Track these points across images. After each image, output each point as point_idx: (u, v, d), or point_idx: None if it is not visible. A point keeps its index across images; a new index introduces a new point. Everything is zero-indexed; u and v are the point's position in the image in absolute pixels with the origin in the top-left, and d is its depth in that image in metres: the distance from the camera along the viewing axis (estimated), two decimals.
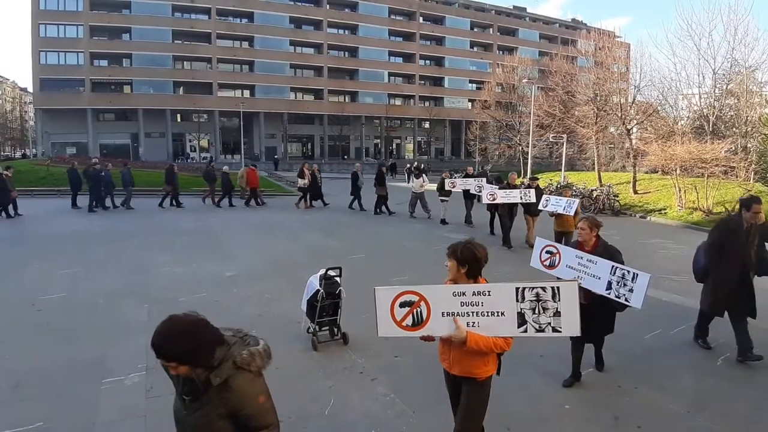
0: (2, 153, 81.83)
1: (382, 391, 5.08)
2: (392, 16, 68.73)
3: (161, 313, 6.88)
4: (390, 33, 68.56)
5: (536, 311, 3.13)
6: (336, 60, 66.01)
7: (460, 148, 69.81)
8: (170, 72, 58.05)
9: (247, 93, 61.12)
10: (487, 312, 3.17)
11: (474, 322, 3.18)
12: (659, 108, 27.00)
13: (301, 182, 20.14)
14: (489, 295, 3.16)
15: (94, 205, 18.32)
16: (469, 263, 3.26)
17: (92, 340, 6.32)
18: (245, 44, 61.95)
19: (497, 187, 13.77)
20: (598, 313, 4.98)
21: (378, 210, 18.50)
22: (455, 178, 17.77)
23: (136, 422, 4.49)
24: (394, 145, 72.72)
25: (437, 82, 72.32)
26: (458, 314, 3.18)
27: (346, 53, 67.30)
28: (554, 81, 35.72)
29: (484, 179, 16.73)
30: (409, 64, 69.71)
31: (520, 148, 41.99)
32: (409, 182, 30.98)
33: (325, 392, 5.05)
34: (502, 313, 3.17)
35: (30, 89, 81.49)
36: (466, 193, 16.57)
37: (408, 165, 39.18)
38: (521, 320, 3.16)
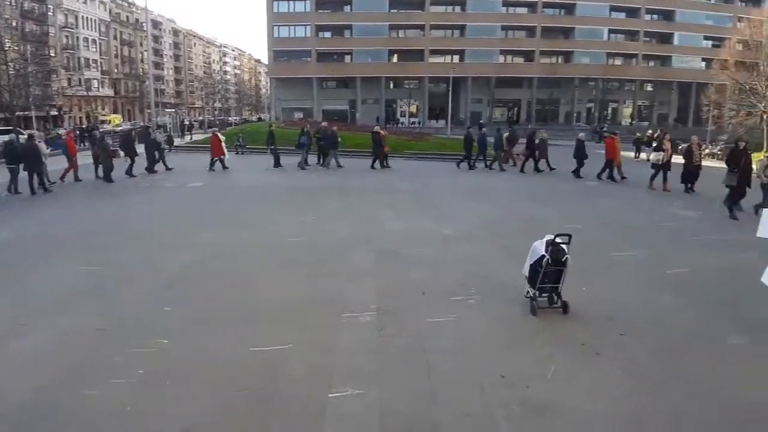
0: (241, 116, 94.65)
1: (607, 367, 4.84)
2: None
3: (387, 262, 7.62)
4: None
5: None
6: (550, 19, 62.67)
7: (688, 115, 61.68)
8: (386, 41, 61.07)
9: (456, 58, 61.47)
10: None
11: None
12: None
13: (654, 157, 15.79)
14: None
15: (322, 162, 20.78)
16: None
17: (330, 278, 7.17)
18: (457, 8, 62.03)
19: None
20: None
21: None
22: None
23: (370, 355, 4.97)
24: (610, 110, 67.08)
25: (665, 38, 64.31)
26: None
27: (562, 11, 63.27)
28: None
29: None
30: (633, 20, 63.19)
31: (766, 116, 35.80)
32: (639, 155, 28.16)
33: (546, 358, 4.97)
34: None
35: (264, 60, 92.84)
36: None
37: (638, 134, 31.92)
38: None
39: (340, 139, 21.02)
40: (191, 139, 40.49)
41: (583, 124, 58.26)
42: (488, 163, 21.41)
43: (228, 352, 5.03)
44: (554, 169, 19.94)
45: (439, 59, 61.39)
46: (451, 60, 60.57)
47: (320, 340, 5.29)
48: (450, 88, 53.25)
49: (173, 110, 71.78)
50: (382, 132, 21.39)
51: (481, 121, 47.96)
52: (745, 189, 12.09)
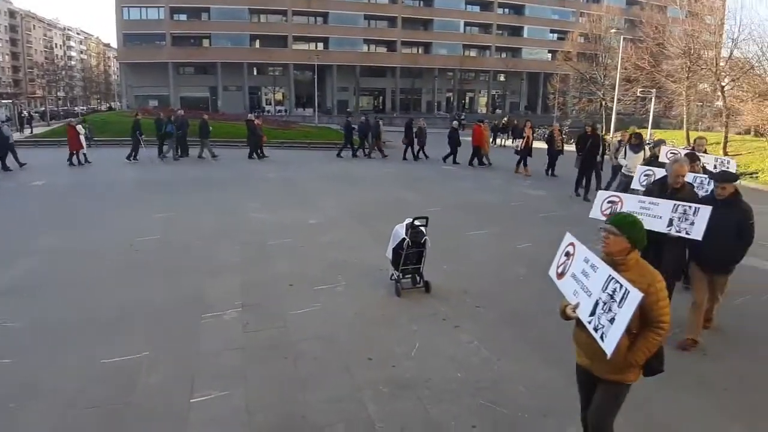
0: (89, 106, 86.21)
1: (466, 338, 5.18)
2: None
3: (252, 255, 7.41)
4: None
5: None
6: (410, 9, 64.32)
7: (537, 103, 67.29)
8: (247, 25, 58.84)
9: (321, 45, 61.00)
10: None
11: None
12: (757, 64, 24.65)
13: (514, 143, 17.20)
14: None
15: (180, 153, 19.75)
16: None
17: (191, 277, 6.80)
18: None
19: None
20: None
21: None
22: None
23: (235, 353, 4.83)
24: (467, 99, 70.90)
25: (516, 31, 69.00)
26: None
27: (421, 2, 65.44)
28: (644, 32, 33.71)
29: None
30: (486, 13, 66.87)
31: (604, 102, 40.31)
32: (495, 141, 30.23)
33: (410, 336, 5.19)
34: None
35: (113, 44, 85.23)
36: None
37: (495, 122, 34.58)
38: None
39: (211, 128, 20.16)
40: (32, 132, 36.02)
41: (444, 113, 61.10)
42: (356, 150, 21.74)
43: (78, 366, 4.58)
44: (419, 158, 20.67)
45: (304, 46, 60.51)
46: (316, 47, 59.99)
47: (180, 344, 5.01)
48: (316, 76, 52.87)
49: (10, 101, 63.29)
50: (256, 120, 20.71)
51: (349, 110, 48.41)
52: (591, 170, 12.96)
